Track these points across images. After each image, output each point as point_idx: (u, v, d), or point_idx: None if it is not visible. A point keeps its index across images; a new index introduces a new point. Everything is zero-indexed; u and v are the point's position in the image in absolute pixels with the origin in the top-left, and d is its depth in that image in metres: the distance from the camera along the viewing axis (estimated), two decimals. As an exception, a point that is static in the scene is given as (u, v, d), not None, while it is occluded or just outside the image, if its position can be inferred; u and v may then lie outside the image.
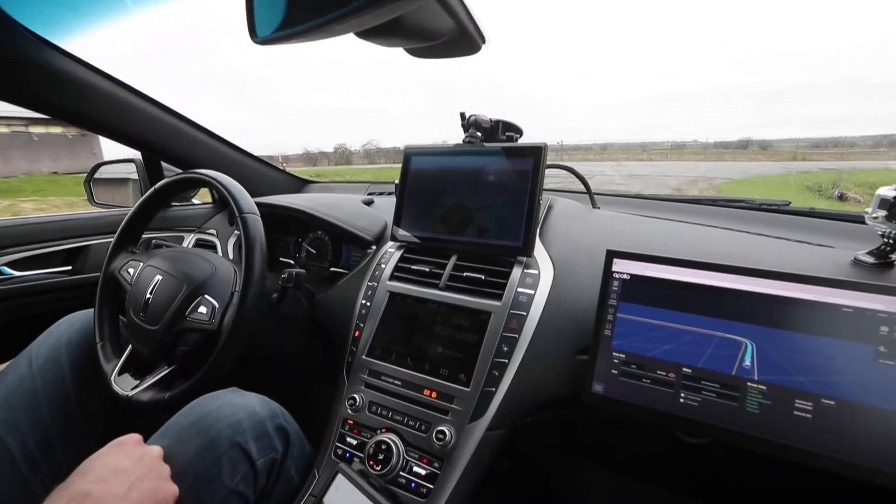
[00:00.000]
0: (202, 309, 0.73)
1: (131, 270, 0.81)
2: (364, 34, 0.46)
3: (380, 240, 0.94)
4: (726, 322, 0.57)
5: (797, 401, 0.52)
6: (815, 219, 0.89)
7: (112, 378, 0.74)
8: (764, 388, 0.54)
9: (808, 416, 0.51)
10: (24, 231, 1.09)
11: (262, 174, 1.42)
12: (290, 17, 0.46)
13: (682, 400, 0.58)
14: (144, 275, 0.78)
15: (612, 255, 0.65)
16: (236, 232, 1.15)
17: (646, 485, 0.99)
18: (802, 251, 0.76)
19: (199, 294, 0.74)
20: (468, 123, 0.84)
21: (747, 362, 0.55)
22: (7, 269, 1.04)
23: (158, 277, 0.76)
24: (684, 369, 0.58)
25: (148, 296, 0.75)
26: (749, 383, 0.55)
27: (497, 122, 0.86)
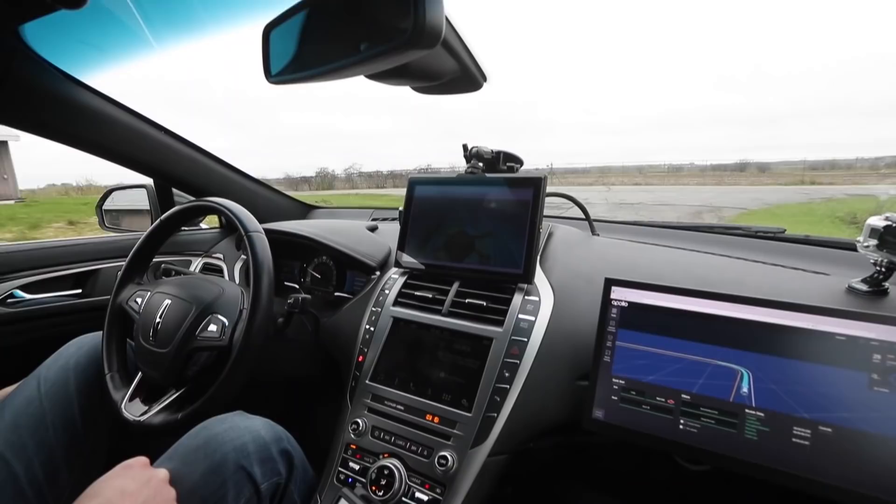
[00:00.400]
0: (212, 327, 0.75)
1: (139, 300, 0.83)
2: (373, 76, 0.50)
3: (384, 266, 0.96)
4: (723, 349, 0.59)
5: (795, 428, 0.53)
6: (810, 246, 0.90)
7: (122, 406, 0.75)
8: (762, 414, 0.55)
9: (807, 442, 0.52)
10: (36, 255, 1.11)
11: (269, 200, 1.45)
12: (303, 61, 0.50)
13: (681, 426, 0.58)
14: (153, 301, 0.80)
15: (610, 283, 0.67)
16: (243, 256, 1.17)
17: None
18: (797, 278, 0.78)
19: (209, 313, 0.76)
20: (470, 154, 0.87)
21: (745, 389, 0.56)
22: (20, 293, 1.06)
23: (167, 302, 0.78)
24: (683, 395, 0.59)
25: (157, 320, 0.76)
26: (747, 410, 0.55)
27: (498, 153, 0.89)
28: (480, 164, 0.87)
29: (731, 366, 0.58)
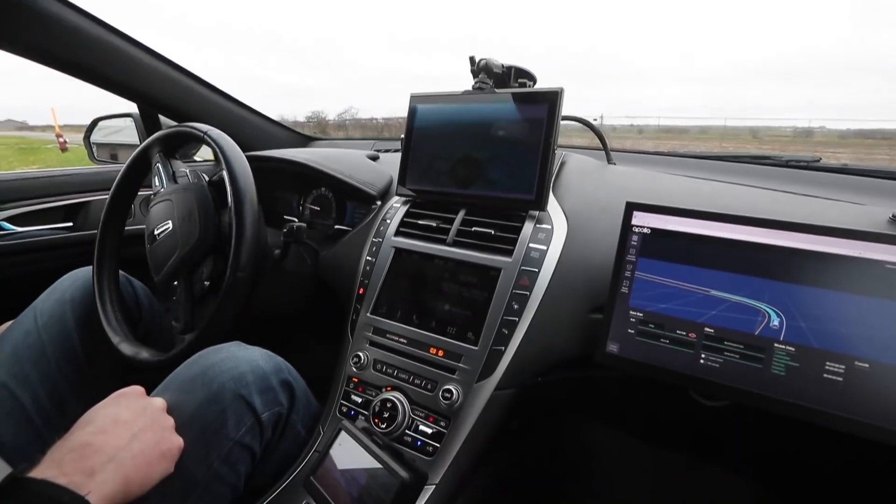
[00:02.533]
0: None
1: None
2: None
3: (385, 195, 0.90)
4: (754, 279, 0.54)
5: (827, 363, 0.49)
6: (848, 175, 0.83)
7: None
8: (792, 349, 0.50)
9: (840, 378, 0.48)
10: (23, 186, 1.07)
11: (265, 130, 1.37)
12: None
13: (702, 361, 0.55)
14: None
15: (631, 207, 0.61)
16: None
17: (656, 446, 0.98)
18: (834, 208, 0.72)
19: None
20: (478, 68, 0.78)
21: (775, 322, 0.52)
22: (7, 225, 1.02)
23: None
24: (706, 329, 0.55)
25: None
26: (776, 344, 0.51)
27: (509, 67, 0.80)
28: (489, 80, 0.78)
29: (760, 297, 0.53)
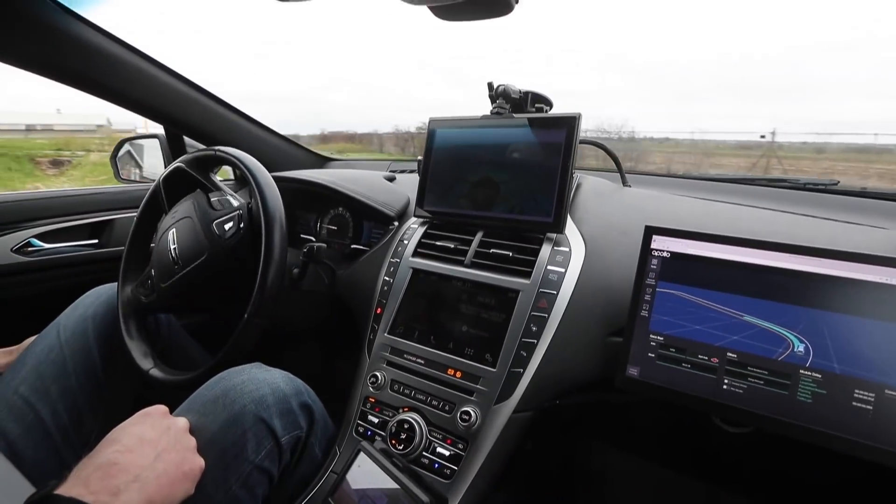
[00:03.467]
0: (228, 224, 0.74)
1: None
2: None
3: (402, 216, 0.91)
4: (778, 305, 0.53)
5: (857, 391, 0.48)
6: (867, 199, 0.82)
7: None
8: (818, 376, 0.50)
9: (870, 407, 0.47)
10: (51, 204, 1.10)
11: (284, 151, 1.40)
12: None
13: (725, 386, 0.54)
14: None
15: (651, 231, 0.61)
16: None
17: (671, 471, 0.96)
18: (855, 232, 0.71)
19: None
20: (496, 94, 0.80)
21: (799, 348, 0.51)
22: (37, 241, 1.05)
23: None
24: (729, 354, 0.54)
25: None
26: (802, 371, 0.50)
27: (526, 93, 0.82)
28: (507, 105, 0.80)
29: (784, 323, 0.52)
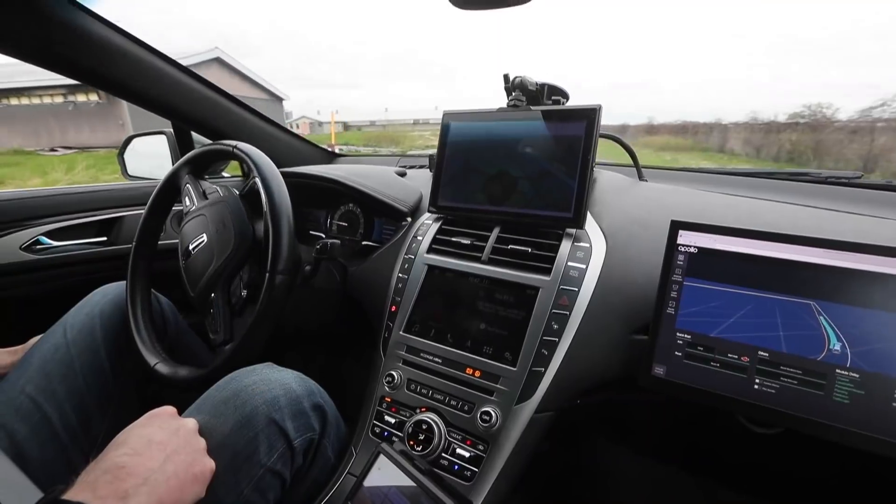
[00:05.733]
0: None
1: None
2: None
3: (415, 211, 0.90)
4: (810, 301, 0.51)
5: (897, 391, 0.46)
6: (892, 192, 0.80)
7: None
8: (856, 376, 0.48)
9: (911, 408, 0.45)
10: (60, 201, 1.09)
11: (293, 146, 1.39)
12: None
13: (756, 386, 0.52)
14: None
15: (677, 226, 0.59)
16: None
17: (691, 473, 0.94)
18: (882, 226, 0.68)
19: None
20: (513, 86, 0.78)
21: (836, 347, 0.49)
22: (46, 239, 1.04)
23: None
24: (760, 353, 0.52)
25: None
26: (839, 370, 0.49)
27: (543, 85, 0.80)
28: (523, 98, 0.78)
29: (819, 321, 0.51)
